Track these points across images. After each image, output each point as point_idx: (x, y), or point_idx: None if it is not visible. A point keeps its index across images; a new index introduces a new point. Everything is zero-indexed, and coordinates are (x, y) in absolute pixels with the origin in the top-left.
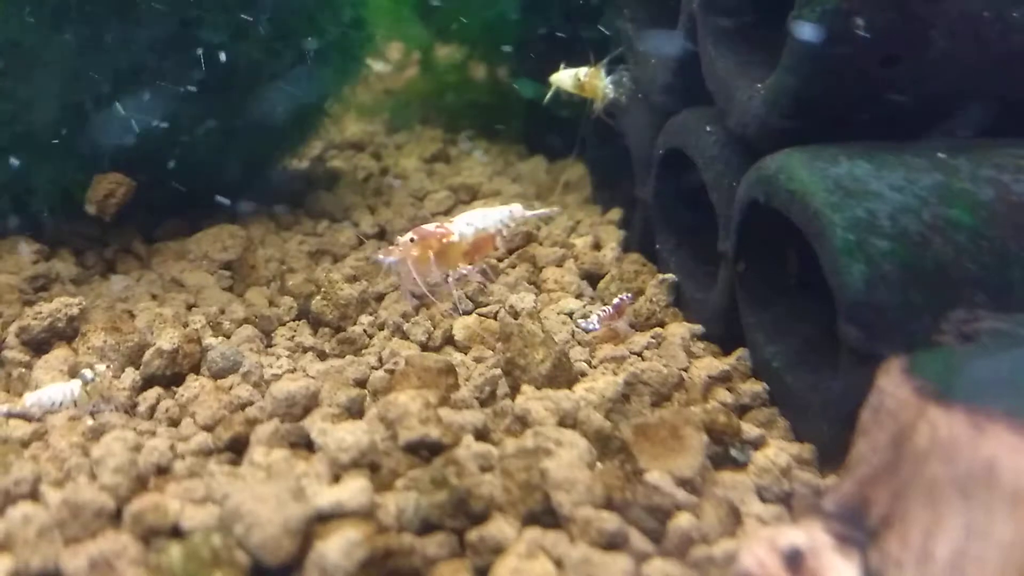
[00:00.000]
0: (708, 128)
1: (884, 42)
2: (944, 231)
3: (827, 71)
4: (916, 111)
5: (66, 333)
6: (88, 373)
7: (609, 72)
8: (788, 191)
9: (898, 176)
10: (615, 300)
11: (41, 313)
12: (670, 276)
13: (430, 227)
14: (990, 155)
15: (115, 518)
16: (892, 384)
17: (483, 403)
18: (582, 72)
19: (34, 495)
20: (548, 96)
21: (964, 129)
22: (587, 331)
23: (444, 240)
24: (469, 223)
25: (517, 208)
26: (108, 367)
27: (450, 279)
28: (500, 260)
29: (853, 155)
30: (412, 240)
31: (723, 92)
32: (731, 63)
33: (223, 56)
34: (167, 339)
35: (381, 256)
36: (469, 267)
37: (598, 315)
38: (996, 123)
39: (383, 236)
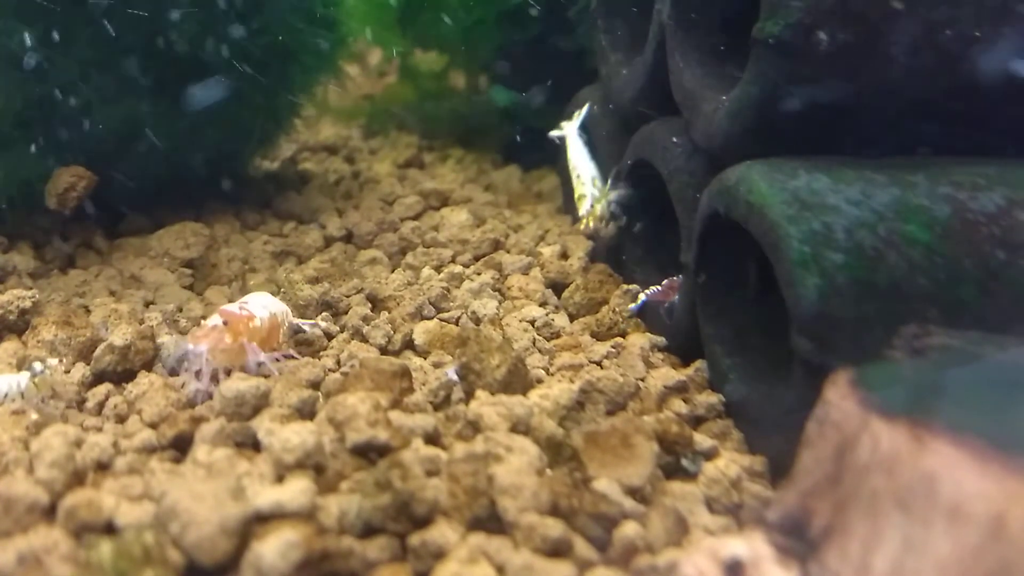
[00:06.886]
0: (674, 139)
1: (846, 57)
2: (899, 246)
3: (790, 84)
4: (877, 126)
5: (17, 326)
6: (38, 366)
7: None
8: (747, 203)
9: (855, 190)
10: (664, 281)
11: None
12: (634, 287)
13: (233, 308)
14: (948, 172)
15: (49, 513)
16: (838, 396)
17: (437, 407)
18: (590, 196)
19: None
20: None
21: (924, 145)
22: (635, 310)
23: (250, 323)
24: (264, 306)
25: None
26: (61, 361)
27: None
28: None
29: (812, 168)
30: (224, 323)
31: (689, 104)
32: (698, 75)
33: (189, 51)
34: (119, 335)
35: (190, 345)
36: (266, 355)
37: (646, 294)
38: (956, 140)
39: (350, 239)
